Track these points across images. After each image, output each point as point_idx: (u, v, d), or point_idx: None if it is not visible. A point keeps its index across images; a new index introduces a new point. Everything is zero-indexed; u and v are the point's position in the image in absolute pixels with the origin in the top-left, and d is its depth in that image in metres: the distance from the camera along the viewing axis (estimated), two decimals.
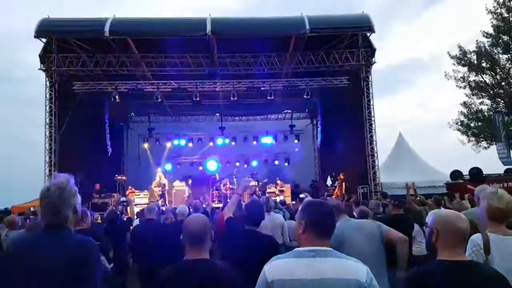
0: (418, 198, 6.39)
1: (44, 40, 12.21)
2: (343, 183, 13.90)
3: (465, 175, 12.62)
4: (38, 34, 11.72)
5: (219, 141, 18.19)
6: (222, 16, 12.55)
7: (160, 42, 12.44)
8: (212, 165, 17.48)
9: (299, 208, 1.95)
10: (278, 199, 10.78)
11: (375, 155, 13.19)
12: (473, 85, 20.69)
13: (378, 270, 2.99)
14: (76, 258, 1.68)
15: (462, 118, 21.49)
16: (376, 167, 13.18)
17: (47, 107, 12.60)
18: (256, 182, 13.65)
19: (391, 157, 16.13)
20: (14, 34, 42.36)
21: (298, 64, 13.46)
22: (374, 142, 13.14)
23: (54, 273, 1.64)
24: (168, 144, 18.42)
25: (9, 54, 45.09)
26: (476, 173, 12.10)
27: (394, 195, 8.48)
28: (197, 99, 13.39)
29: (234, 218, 3.17)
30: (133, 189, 14.36)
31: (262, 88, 13.77)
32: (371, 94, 13.27)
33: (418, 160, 15.54)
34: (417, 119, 47.41)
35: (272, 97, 13.84)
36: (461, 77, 20.98)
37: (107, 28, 11.26)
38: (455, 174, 12.94)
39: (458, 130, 21.71)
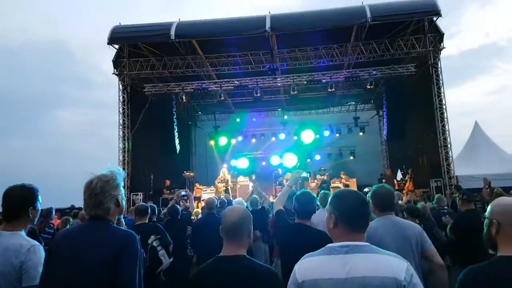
0: (495, 190, 5.75)
1: (116, 46, 12.99)
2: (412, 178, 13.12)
3: None
4: (111, 41, 12.44)
5: (282, 136, 18.18)
6: (282, 12, 12.43)
7: (222, 41, 12.70)
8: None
9: (329, 200, 1.75)
10: None
11: (449, 146, 12.31)
12: None
13: None
14: (111, 250, 1.69)
15: None
16: (450, 158, 12.26)
17: (120, 109, 13.49)
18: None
19: (467, 148, 14.75)
20: (87, 41, 45.91)
21: (360, 54, 12.99)
22: (447, 132, 12.27)
23: (88, 263, 1.68)
24: (233, 141, 18.86)
25: (85, 60, 48.90)
26: None
27: (471, 189, 7.76)
28: (258, 95, 13.55)
29: (283, 211, 3.06)
30: (200, 185, 15.06)
31: (323, 81, 13.49)
32: (441, 81, 12.35)
33: (497, 150, 13.97)
34: (495, 107, 42.37)
35: (333, 89, 13.52)
36: None
37: (173, 32, 11.69)
38: None
39: None
